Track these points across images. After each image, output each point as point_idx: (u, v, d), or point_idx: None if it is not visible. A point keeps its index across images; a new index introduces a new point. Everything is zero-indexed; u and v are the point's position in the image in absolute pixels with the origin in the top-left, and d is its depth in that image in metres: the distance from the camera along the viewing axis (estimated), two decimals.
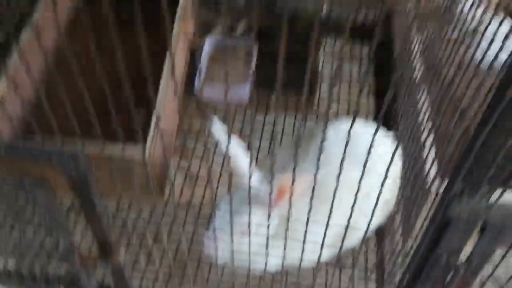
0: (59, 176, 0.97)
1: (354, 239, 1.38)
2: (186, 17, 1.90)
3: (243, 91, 1.86)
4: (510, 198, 0.87)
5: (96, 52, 0.70)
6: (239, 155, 1.24)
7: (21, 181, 0.96)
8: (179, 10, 1.80)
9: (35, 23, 1.72)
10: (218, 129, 1.23)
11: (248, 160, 1.24)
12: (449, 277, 1.04)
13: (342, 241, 1.10)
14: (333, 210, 1.02)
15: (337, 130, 1.38)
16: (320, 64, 2.04)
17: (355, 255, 1.51)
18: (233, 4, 2.17)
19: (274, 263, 1.31)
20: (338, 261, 1.49)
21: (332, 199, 0.98)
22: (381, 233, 1.55)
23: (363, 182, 0.95)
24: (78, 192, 1.00)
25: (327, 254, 1.39)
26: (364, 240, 1.49)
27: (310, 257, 1.27)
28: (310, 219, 1.07)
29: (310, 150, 1.37)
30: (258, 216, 1.21)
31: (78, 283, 1.34)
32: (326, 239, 1.26)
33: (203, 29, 2.11)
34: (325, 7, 2.07)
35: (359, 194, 0.96)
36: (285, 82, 0.85)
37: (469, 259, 0.99)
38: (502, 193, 0.84)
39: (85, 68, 0.78)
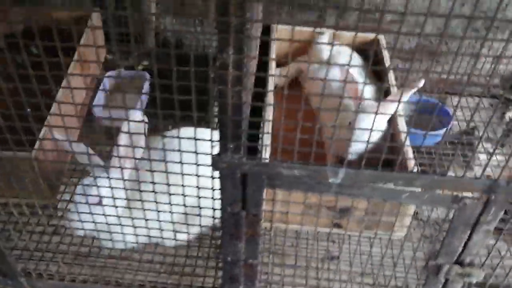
0: None
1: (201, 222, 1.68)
2: (87, 54, 2.26)
3: (134, 115, 2.20)
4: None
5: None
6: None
7: None
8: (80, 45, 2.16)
9: None
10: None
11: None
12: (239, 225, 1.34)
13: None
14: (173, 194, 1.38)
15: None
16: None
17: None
18: (140, 47, 2.56)
19: (130, 238, 1.60)
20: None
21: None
22: None
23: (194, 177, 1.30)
24: None
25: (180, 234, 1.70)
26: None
27: (165, 235, 1.57)
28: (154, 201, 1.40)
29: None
30: (106, 189, 1.51)
31: None
32: (172, 217, 1.57)
33: (106, 65, 2.49)
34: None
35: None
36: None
37: (245, 207, 1.30)
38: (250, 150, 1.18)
39: None
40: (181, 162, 1.26)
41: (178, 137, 1.26)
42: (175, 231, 1.68)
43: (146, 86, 2.34)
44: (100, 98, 2.29)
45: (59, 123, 1.30)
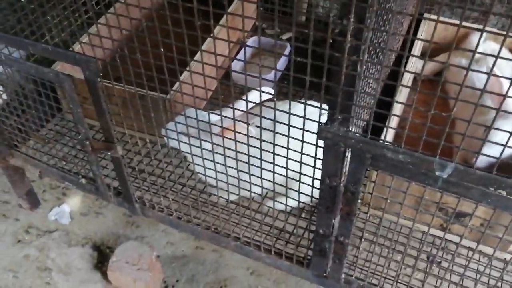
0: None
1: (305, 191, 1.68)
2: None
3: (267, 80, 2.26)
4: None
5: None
6: None
7: (57, 74, 1.46)
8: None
9: None
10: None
11: None
12: (335, 200, 1.33)
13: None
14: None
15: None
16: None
17: None
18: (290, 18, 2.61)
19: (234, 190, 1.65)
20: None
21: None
22: None
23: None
24: (90, 91, 1.47)
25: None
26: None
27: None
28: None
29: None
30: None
31: (91, 176, 1.82)
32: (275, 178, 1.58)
33: (253, 30, 2.57)
34: None
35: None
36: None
37: (345, 182, 1.28)
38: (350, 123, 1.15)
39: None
40: (288, 125, 1.27)
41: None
42: (279, 193, 1.70)
43: (286, 53, 2.39)
44: (242, 55, 2.39)
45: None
